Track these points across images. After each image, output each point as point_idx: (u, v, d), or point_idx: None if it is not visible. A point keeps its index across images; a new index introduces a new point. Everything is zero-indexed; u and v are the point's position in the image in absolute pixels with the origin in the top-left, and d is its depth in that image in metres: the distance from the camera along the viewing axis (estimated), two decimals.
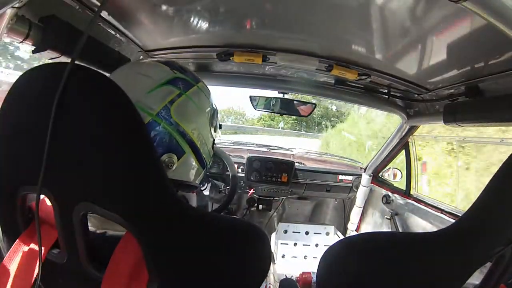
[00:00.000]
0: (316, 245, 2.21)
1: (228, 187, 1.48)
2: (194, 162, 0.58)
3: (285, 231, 2.23)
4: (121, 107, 0.34)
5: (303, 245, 2.20)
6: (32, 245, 0.40)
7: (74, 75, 0.32)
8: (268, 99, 1.59)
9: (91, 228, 0.43)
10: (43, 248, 0.38)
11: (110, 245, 0.39)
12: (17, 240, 0.40)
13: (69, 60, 0.32)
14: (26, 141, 0.36)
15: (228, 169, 1.47)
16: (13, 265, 0.39)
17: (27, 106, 0.36)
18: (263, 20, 0.91)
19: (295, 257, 2.15)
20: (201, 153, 0.59)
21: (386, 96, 1.35)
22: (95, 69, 0.35)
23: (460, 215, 0.42)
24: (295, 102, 1.56)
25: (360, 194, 2.09)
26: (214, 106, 0.63)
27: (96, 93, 0.33)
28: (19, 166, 0.38)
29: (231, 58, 1.11)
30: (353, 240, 0.48)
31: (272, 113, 1.66)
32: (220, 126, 0.70)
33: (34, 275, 0.39)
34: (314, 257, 2.14)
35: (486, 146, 3.35)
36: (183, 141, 0.54)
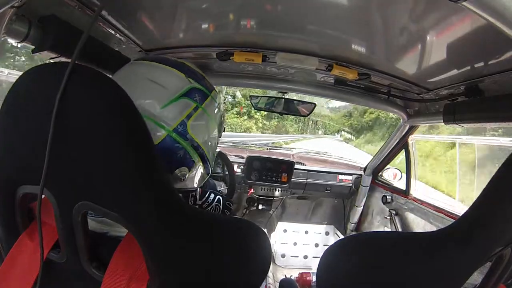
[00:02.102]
0: (316, 245, 2.22)
1: (227, 187, 1.48)
2: (202, 171, 0.57)
3: (285, 231, 2.23)
4: (122, 108, 0.34)
5: (303, 244, 2.21)
6: (33, 245, 0.40)
7: (75, 75, 0.32)
8: (268, 98, 1.60)
9: (90, 229, 0.43)
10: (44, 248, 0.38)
11: (110, 245, 0.39)
12: (18, 240, 0.40)
13: (69, 60, 0.32)
14: (26, 141, 0.36)
15: (226, 168, 1.47)
16: (14, 266, 0.39)
17: (27, 106, 0.35)
18: (263, 20, 0.91)
19: (295, 256, 2.15)
20: (209, 162, 0.58)
21: (386, 96, 1.35)
22: (95, 69, 0.35)
23: (460, 215, 0.42)
24: (295, 101, 1.57)
25: (360, 194, 2.09)
26: (221, 110, 0.61)
27: (97, 93, 0.33)
28: (19, 165, 0.38)
29: (231, 57, 1.11)
30: (353, 240, 0.49)
31: (272, 113, 1.66)
32: (224, 129, 0.69)
33: (35, 275, 0.39)
34: (314, 257, 2.14)
35: None
36: (195, 154, 0.53)
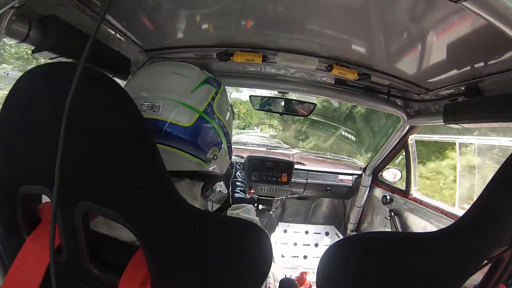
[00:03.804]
0: (316, 245, 2.22)
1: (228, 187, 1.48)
2: (227, 153, 0.62)
3: (285, 231, 2.24)
4: (125, 109, 0.34)
5: (303, 245, 2.21)
6: (37, 248, 0.40)
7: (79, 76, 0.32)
8: (268, 98, 1.60)
9: (102, 231, 0.43)
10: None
11: (117, 248, 0.39)
12: (25, 243, 0.40)
13: (69, 60, 0.32)
14: (28, 140, 0.36)
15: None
16: (20, 270, 0.39)
17: (29, 106, 0.35)
18: (263, 20, 0.91)
19: (295, 257, 2.15)
20: (231, 144, 0.64)
21: (386, 96, 1.35)
22: (97, 69, 0.35)
23: (460, 215, 0.42)
24: (294, 102, 1.57)
25: (360, 194, 2.09)
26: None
27: (100, 94, 0.33)
28: (20, 165, 0.38)
29: (231, 58, 1.11)
30: (353, 240, 0.48)
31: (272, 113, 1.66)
32: (233, 118, 0.74)
33: (40, 279, 0.38)
34: (314, 257, 2.14)
35: None
36: (222, 134, 0.59)
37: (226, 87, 0.65)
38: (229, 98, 0.66)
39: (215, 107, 0.56)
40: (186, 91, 0.53)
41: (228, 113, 0.63)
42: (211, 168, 0.57)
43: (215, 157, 0.57)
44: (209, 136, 0.55)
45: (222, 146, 0.59)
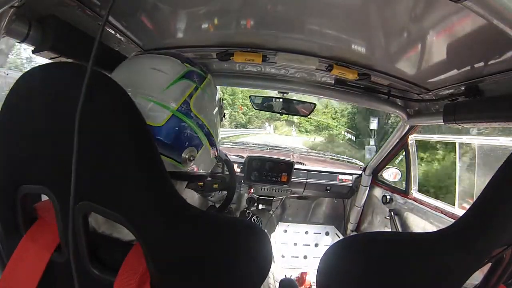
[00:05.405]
0: (316, 245, 2.22)
1: (228, 187, 1.48)
2: (210, 153, 0.58)
3: (285, 231, 2.24)
4: (125, 108, 0.34)
5: (303, 245, 2.21)
6: (36, 247, 0.40)
7: (80, 76, 0.32)
8: (268, 98, 1.60)
9: (102, 230, 0.43)
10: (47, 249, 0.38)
11: (115, 247, 0.39)
12: (21, 242, 0.40)
13: (68, 60, 0.32)
14: (28, 140, 0.36)
15: (227, 168, 1.47)
16: (17, 269, 0.39)
17: (30, 106, 0.35)
18: (263, 20, 0.91)
19: (295, 257, 2.16)
20: (216, 144, 0.60)
21: (386, 96, 1.35)
22: (99, 70, 0.35)
23: (460, 215, 0.42)
24: (294, 101, 1.57)
25: (360, 194, 2.09)
26: (220, 95, 0.64)
27: (99, 94, 0.33)
28: (20, 165, 0.38)
29: (231, 58, 1.11)
30: (353, 240, 0.49)
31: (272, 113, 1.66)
32: (224, 116, 0.69)
33: (39, 277, 0.38)
34: (314, 257, 2.15)
35: None
36: (202, 134, 0.54)
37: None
38: (215, 91, 0.61)
39: (192, 104, 0.52)
40: (161, 88, 0.50)
41: (213, 110, 0.59)
42: (189, 169, 0.54)
43: (192, 158, 0.53)
44: (183, 136, 0.51)
45: (202, 146, 0.55)
